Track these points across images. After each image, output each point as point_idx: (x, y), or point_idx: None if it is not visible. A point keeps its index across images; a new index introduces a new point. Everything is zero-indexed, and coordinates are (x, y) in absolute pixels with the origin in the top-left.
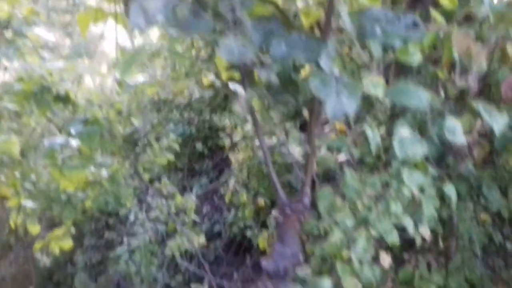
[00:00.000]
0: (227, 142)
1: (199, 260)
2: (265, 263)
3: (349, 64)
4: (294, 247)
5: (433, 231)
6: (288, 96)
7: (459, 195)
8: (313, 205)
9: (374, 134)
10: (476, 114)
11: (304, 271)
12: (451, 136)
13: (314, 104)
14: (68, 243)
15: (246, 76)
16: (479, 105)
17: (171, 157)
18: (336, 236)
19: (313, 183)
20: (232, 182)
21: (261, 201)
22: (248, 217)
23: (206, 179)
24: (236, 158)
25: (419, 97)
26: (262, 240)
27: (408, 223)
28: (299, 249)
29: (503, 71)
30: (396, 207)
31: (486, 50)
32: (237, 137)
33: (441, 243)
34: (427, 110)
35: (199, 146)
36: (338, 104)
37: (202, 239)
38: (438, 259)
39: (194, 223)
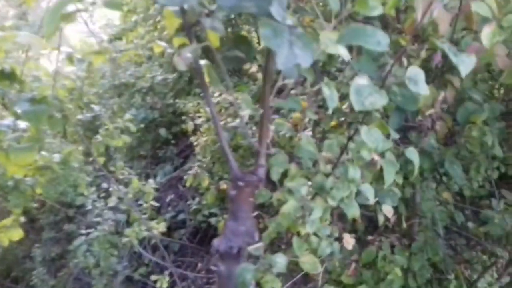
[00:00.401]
0: (189, 126)
1: (163, 251)
2: (217, 242)
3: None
4: (248, 223)
5: (397, 211)
6: (238, 52)
7: (421, 173)
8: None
9: (331, 93)
10: (440, 86)
11: (257, 249)
12: (413, 86)
13: (268, 61)
14: (18, 234)
15: (190, 29)
16: (444, 45)
17: (127, 139)
18: (289, 206)
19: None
20: (195, 167)
21: (223, 185)
22: (211, 203)
23: (170, 166)
24: (199, 142)
25: (378, 39)
26: (222, 225)
27: (368, 190)
28: (253, 226)
29: (466, 39)
30: (354, 172)
31: (451, 16)
32: (199, 120)
33: (404, 224)
34: (387, 56)
35: (163, 132)
36: (291, 55)
37: (162, 227)
38: (401, 240)
39: (155, 210)
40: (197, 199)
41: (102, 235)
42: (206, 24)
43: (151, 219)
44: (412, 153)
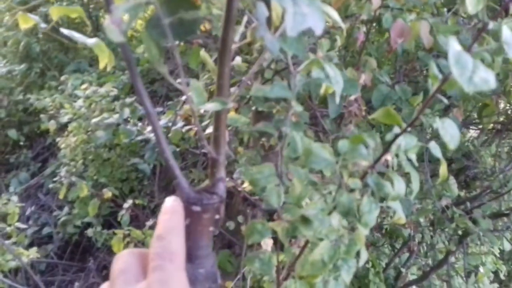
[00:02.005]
0: (51, 126)
1: (26, 272)
2: None
3: None
4: (208, 263)
5: None
6: (183, 12)
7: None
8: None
9: (335, 73)
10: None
11: None
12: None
13: (227, 30)
14: None
15: None
16: None
17: None
18: (322, 249)
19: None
20: (63, 173)
21: (108, 193)
22: (92, 213)
23: (26, 173)
24: (67, 143)
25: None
26: (117, 241)
27: (398, 207)
28: (214, 265)
29: (386, 16)
30: (399, 186)
31: None
32: (65, 118)
33: None
34: None
35: (12, 133)
36: (299, 15)
37: (33, 252)
38: None
39: (20, 231)
40: (66, 209)
41: None
42: None
43: (16, 243)
44: (436, 150)
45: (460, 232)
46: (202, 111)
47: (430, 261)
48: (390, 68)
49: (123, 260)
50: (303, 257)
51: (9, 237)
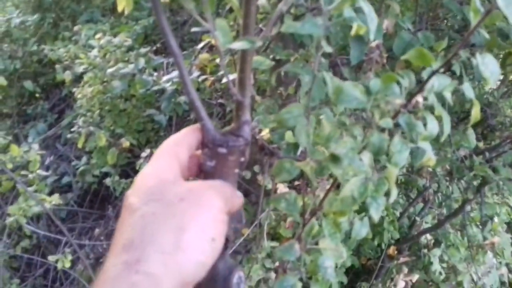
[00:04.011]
0: (67, 76)
1: (49, 219)
2: None
3: None
4: None
5: None
6: None
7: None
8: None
9: (369, 10)
10: (382, 15)
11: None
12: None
13: None
14: None
15: None
16: None
17: None
18: (353, 185)
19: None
20: (81, 123)
21: (126, 143)
22: (111, 162)
23: (44, 124)
24: (83, 93)
25: None
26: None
27: (428, 147)
28: (240, 207)
29: None
30: (432, 125)
31: None
32: (80, 68)
33: None
34: None
35: (28, 85)
36: None
37: (55, 199)
38: None
39: (41, 178)
40: (84, 158)
41: None
42: None
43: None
44: (469, 90)
45: (477, 182)
46: (218, 60)
47: (445, 211)
48: (413, 15)
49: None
50: (331, 195)
51: (30, 184)
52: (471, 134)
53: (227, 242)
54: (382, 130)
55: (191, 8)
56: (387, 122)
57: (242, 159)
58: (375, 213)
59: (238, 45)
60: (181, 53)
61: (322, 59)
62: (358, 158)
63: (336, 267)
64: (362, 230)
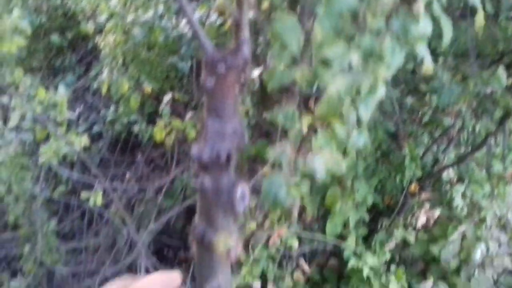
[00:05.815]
0: (89, 27)
1: (82, 166)
2: (196, 149)
3: None
4: (235, 121)
5: None
6: None
7: None
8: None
9: None
10: None
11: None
12: None
13: None
14: None
15: None
16: None
17: (20, 41)
18: (339, 85)
19: None
20: (106, 73)
21: (147, 88)
22: (133, 108)
23: (72, 76)
24: (107, 42)
25: None
26: (158, 130)
27: (426, 51)
28: (242, 123)
29: None
30: (425, 25)
31: None
32: (101, 18)
33: None
34: None
35: (55, 38)
36: None
37: (84, 140)
38: None
39: (70, 122)
40: (112, 108)
41: (9, 158)
42: None
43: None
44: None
45: (501, 114)
46: None
47: (469, 149)
48: None
49: None
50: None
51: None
52: (502, 73)
53: (230, 158)
54: (377, 33)
55: None
56: (379, 23)
57: (243, 77)
58: (365, 113)
59: None
60: None
61: None
62: (348, 60)
63: (357, 204)
64: (359, 139)
